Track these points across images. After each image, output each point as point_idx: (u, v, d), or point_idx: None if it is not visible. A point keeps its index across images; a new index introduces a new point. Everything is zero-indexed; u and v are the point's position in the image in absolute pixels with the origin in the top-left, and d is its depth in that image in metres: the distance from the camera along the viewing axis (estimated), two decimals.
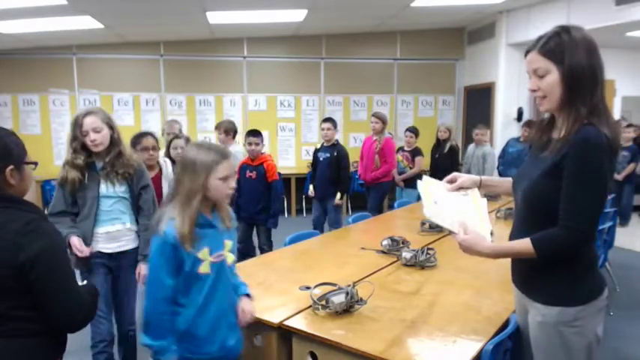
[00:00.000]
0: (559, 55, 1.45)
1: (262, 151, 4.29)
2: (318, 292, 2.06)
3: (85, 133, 2.43)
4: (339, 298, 1.95)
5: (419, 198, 2.10)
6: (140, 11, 5.78)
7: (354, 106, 8.28)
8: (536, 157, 1.60)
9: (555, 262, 1.51)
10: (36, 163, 1.59)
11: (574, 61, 1.43)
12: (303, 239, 3.21)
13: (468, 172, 5.97)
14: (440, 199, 1.81)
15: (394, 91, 8.37)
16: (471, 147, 6.10)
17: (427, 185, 1.88)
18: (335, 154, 4.92)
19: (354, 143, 8.17)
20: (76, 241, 2.39)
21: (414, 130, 5.86)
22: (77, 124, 2.45)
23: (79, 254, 2.38)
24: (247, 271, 2.54)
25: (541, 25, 6.30)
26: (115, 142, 2.53)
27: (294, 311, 2.00)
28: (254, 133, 4.21)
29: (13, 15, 5.35)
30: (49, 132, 7.43)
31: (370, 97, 8.31)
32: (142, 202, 2.59)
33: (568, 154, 1.43)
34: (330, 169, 4.91)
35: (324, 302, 1.97)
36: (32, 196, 6.58)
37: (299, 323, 1.91)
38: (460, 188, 1.79)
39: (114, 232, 2.53)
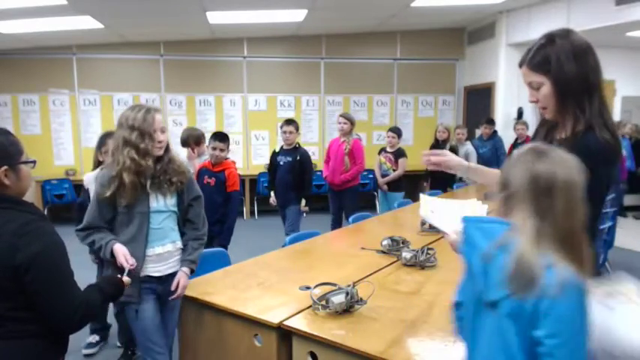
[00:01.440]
0: (546, 67, 1.46)
1: (227, 157, 3.91)
2: (318, 292, 2.06)
3: (153, 131, 2.06)
4: (339, 298, 1.94)
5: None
6: (140, 11, 5.78)
7: (354, 106, 8.28)
8: None
9: None
10: (34, 162, 1.58)
11: (560, 71, 1.43)
12: (303, 239, 3.21)
13: None
14: (437, 209, 1.81)
15: (394, 91, 8.38)
16: None
17: (425, 202, 1.85)
18: (298, 157, 4.58)
19: None
20: (123, 249, 2.01)
21: (396, 131, 5.60)
22: (147, 121, 2.04)
23: (127, 265, 1.96)
24: (247, 271, 2.54)
25: (541, 25, 6.31)
26: (167, 145, 2.16)
27: (294, 311, 2.00)
28: (221, 138, 3.85)
29: (13, 15, 5.35)
30: (49, 132, 7.43)
31: (370, 97, 8.32)
32: (193, 215, 2.26)
33: None
34: (292, 173, 4.56)
35: (324, 302, 1.97)
36: (32, 196, 6.58)
37: (299, 323, 1.91)
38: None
39: (164, 253, 2.16)
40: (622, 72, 7.32)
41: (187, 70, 7.75)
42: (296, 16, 6.40)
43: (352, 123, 5.21)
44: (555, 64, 1.44)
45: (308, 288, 2.20)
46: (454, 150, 5.93)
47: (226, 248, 3.82)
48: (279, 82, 8.02)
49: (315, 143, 8.20)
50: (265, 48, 7.90)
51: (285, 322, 1.91)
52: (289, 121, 4.72)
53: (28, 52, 7.18)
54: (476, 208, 1.76)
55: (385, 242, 2.86)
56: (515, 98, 7.05)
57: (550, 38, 1.47)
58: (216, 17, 6.16)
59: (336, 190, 5.24)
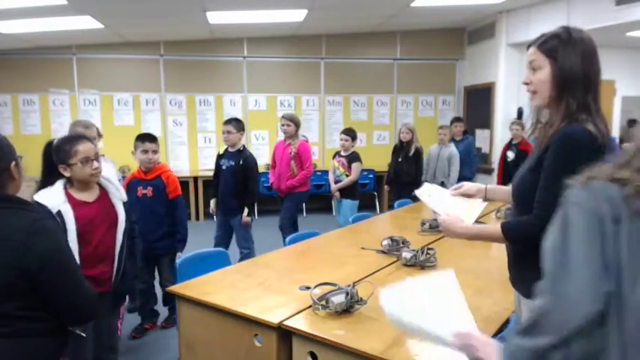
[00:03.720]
0: (554, 53, 1.49)
1: (158, 161, 3.43)
2: (318, 292, 2.06)
3: None
4: (339, 298, 1.94)
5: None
6: (140, 11, 5.78)
7: (354, 106, 8.28)
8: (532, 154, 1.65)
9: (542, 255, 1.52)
10: (20, 157, 1.61)
11: (567, 62, 1.47)
12: (303, 239, 3.21)
13: (433, 175, 5.72)
14: (434, 196, 1.87)
15: (394, 91, 8.38)
16: (434, 148, 5.85)
17: (427, 187, 1.92)
18: (241, 162, 4.15)
19: None
20: None
21: (349, 133, 5.09)
22: None
23: None
24: (247, 271, 2.54)
25: (541, 25, 6.30)
26: None
27: (294, 311, 2.00)
28: (151, 138, 3.32)
29: (13, 15, 5.35)
30: (49, 132, 7.42)
31: (370, 97, 8.32)
32: None
33: (549, 147, 1.47)
34: (235, 179, 4.16)
35: (324, 302, 1.97)
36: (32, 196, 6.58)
37: (299, 323, 1.91)
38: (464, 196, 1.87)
39: None
40: (622, 72, 7.31)
41: (187, 70, 7.75)
42: (296, 16, 6.40)
43: (296, 124, 4.76)
44: (564, 53, 1.47)
45: (308, 288, 2.20)
46: (419, 153, 5.57)
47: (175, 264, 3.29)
48: (279, 82, 8.02)
49: (315, 143, 8.20)
50: (265, 48, 7.90)
51: (285, 322, 1.91)
52: (229, 121, 4.26)
53: (28, 52, 7.18)
54: (474, 205, 1.78)
55: (385, 242, 2.85)
56: (515, 98, 7.05)
57: (566, 30, 1.50)
58: (216, 17, 6.16)
59: (282, 197, 4.87)
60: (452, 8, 6.67)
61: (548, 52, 1.50)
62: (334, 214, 5.18)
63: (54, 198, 2.15)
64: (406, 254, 2.62)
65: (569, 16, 5.88)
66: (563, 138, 1.45)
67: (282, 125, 4.77)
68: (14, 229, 1.42)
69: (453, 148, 5.77)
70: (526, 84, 1.58)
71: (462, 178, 5.19)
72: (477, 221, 1.78)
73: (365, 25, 7.47)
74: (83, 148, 2.18)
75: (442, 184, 5.26)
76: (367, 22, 7.26)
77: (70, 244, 2.03)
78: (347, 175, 4.99)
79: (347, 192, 5.01)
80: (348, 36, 7.98)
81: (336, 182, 5.06)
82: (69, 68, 7.42)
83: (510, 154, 6.14)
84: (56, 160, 2.17)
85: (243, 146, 4.29)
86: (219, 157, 4.36)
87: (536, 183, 1.49)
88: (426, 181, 4.88)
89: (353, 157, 5.02)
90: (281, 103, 8.07)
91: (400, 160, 5.57)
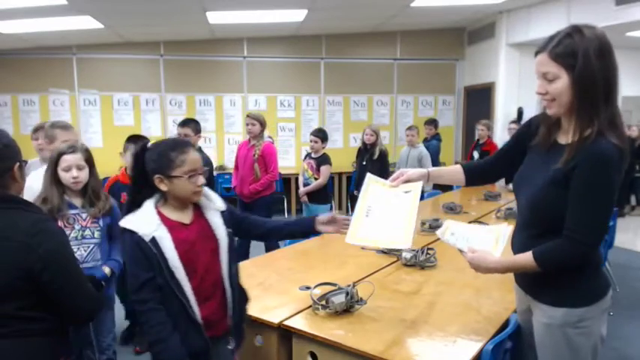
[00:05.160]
0: (570, 60, 1.37)
1: None
2: (318, 292, 2.06)
3: None
4: (339, 298, 1.94)
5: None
6: (140, 11, 5.78)
7: (354, 106, 8.28)
8: (541, 160, 1.55)
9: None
10: (25, 162, 1.61)
11: (586, 67, 1.36)
12: (303, 239, 3.21)
13: None
14: (374, 205, 1.78)
15: (394, 91, 8.38)
16: (404, 150, 5.75)
17: (368, 186, 1.84)
18: None
19: (354, 143, 8.17)
20: None
21: (319, 134, 4.79)
22: None
23: None
24: (247, 271, 2.54)
25: (541, 25, 6.31)
26: None
27: (294, 311, 2.00)
28: (137, 141, 3.04)
29: (13, 15, 5.35)
30: None
31: (370, 97, 8.32)
32: None
33: (579, 165, 1.39)
34: None
35: (324, 302, 1.97)
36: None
37: (299, 323, 1.91)
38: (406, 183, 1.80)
39: None
40: (622, 72, 7.18)
41: (187, 70, 7.75)
42: (296, 16, 6.40)
43: (262, 124, 4.49)
44: (582, 60, 1.36)
45: (308, 288, 2.20)
46: (384, 155, 5.34)
47: None
48: (279, 82, 8.02)
49: None
50: (265, 48, 7.90)
51: (285, 322, 1.91)
52: (186, 123, 4.09)
53: (28, 52, 7.18)
54: (500, 231, 1.68)
55: None
56: (515, 98, 7.06)
57: (577, 29, 1.39)
58: (216, 17, 6.16)
59: (246, 202, 4.54)
60: (452, 8, 6.67)
61: (562, 59, 1.38)
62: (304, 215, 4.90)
63: (146, 222, 1.65)
64: (406, 254, 2.62)
65: (569, 16, 5.88)
66: (595, 158, 1.37)
67: (247, 124, 4.51)
68: (17, 230, 1.42)
69: (422, 148, 5.64)
70: (541, 94, 1.46)
71: None
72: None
73: (365, 25, 7.47)
74: (191, 157, 1.70)
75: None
76: (367, 22, 7.26)
77: (178, 276, 1.62)
78: (316, 179, 4.74)
79: (316, 196, 4.76)
80: (348, 36, 7.98)
81: (305, 185, 4.81)
82: (69, 68, 7.42)
83: (475, 154, 6.14)
84: (152, 169, 1.67)
85: (199, 147, 4.10)
86: None
87: (561, 200, 1.43)
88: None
89: (322, 160, 4.75)
90: (281, 103, 8.07)
91: (365, 163, 5.29)
